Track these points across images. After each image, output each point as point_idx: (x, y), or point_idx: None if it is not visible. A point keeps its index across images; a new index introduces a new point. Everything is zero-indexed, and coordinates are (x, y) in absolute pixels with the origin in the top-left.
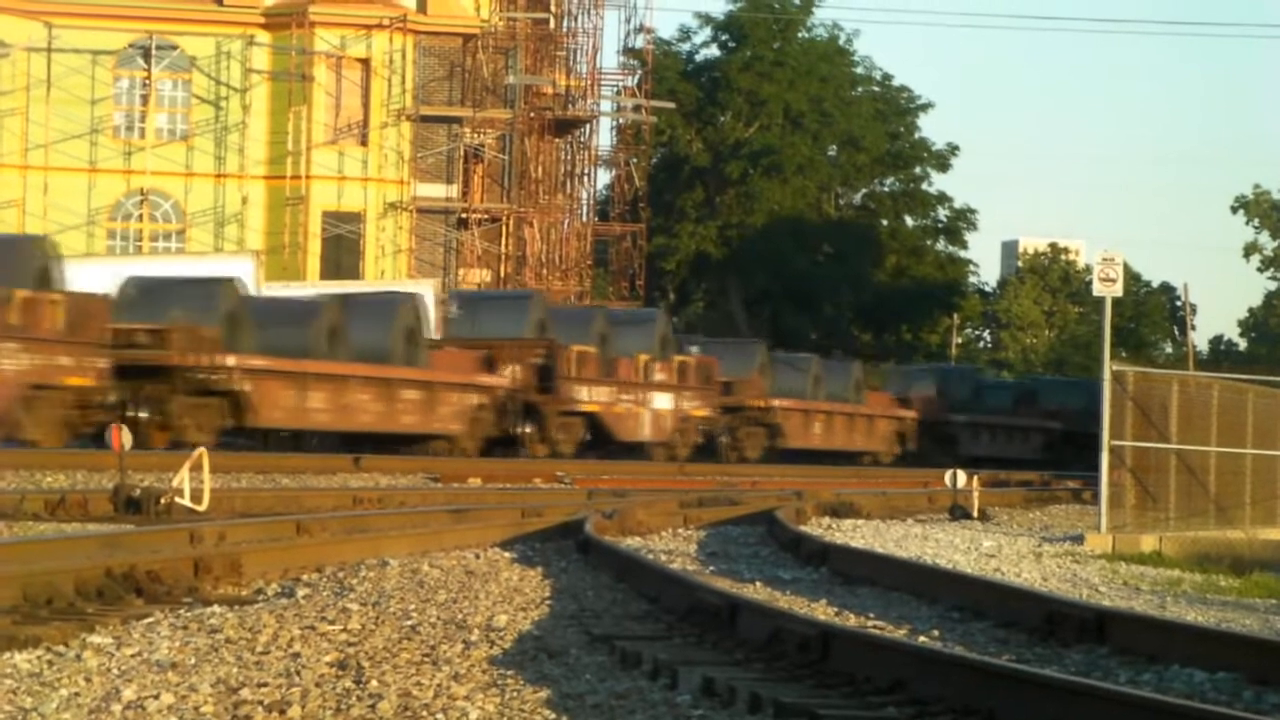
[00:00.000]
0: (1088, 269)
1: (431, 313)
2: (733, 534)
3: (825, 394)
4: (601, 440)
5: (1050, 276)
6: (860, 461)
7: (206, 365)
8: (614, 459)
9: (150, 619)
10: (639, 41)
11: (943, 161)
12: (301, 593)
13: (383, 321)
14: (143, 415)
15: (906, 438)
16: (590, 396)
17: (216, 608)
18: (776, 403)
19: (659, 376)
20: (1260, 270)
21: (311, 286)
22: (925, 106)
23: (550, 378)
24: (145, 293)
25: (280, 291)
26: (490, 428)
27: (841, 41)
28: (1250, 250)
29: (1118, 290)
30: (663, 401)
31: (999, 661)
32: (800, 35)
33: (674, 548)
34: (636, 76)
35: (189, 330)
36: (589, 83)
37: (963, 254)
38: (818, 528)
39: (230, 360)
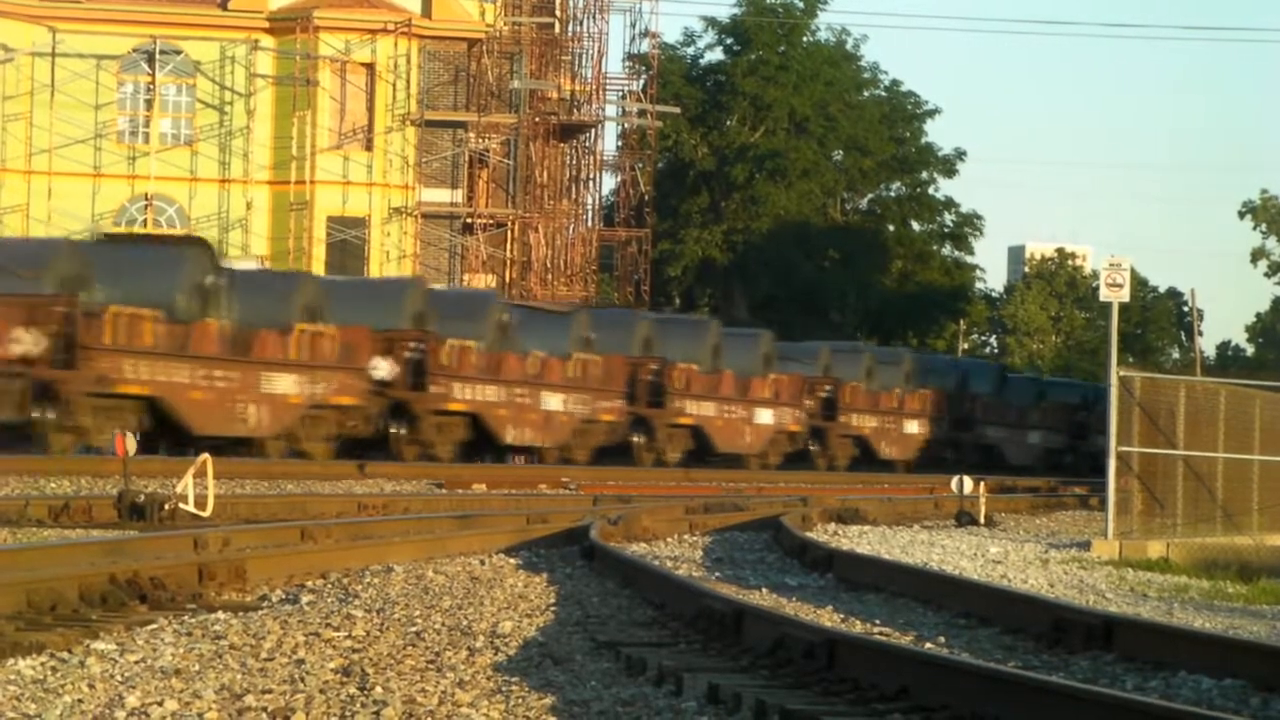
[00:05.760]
0: (1095, 274)
1: None
2: (738, 540)
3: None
4: (486, 445)
5: (1057, 282)
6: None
7: None
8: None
9: (154, 625)
10: (644, 46)
11: (949, 167)
12: (306, 599)
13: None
14: None
15: (798, 438)
16: (473, 396)
17: (221, 614)
18: None
19: (553, 376)
20: (1268, 275)
21: None
22: (932, 112)
23: (420, 373)
24: None
25: None
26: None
27: (849, 46)
28: (1258, 255)
29: (1125, 296)
30: (555, 403)
31: (1005, 668)
32: (805, 39)
33: (679, 554)
34: (641, 81)
35: None
36: (594, 87)
37: (969, 259)
38: (823, 534)
39: None
